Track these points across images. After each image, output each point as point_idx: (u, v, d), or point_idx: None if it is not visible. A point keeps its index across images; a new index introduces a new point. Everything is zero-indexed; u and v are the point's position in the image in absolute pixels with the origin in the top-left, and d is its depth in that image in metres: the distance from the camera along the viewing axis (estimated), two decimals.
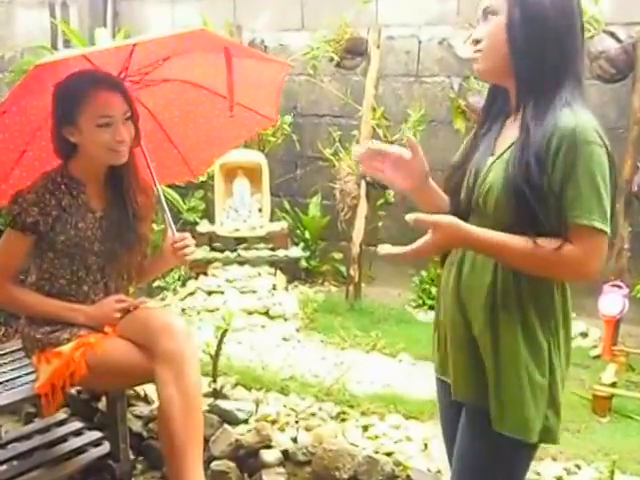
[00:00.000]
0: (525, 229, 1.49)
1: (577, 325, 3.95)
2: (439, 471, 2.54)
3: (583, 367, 3.52)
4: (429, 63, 4.62)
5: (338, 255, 4.91)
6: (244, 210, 4.68)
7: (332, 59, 4.34)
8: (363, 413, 2.93)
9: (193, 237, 2.52)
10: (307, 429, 2.82)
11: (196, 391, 2.27)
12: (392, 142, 4.29)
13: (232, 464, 2.76)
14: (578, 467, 2.57)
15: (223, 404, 2.92)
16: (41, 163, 2.47)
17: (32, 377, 2.54)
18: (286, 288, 4.59)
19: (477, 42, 1.60)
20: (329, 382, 3.16)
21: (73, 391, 3.01)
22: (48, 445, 2.76)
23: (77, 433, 2.84)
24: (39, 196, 2.28)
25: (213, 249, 4.62)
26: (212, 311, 4.16)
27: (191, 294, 4.39)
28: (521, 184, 1.48)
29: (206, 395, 2.91)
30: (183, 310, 4.22)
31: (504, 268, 1.57)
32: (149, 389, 3.02)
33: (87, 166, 2.37)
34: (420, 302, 4.38)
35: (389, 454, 2.63)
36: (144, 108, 2.61)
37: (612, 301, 3.55)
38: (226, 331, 3.03)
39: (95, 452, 2.74)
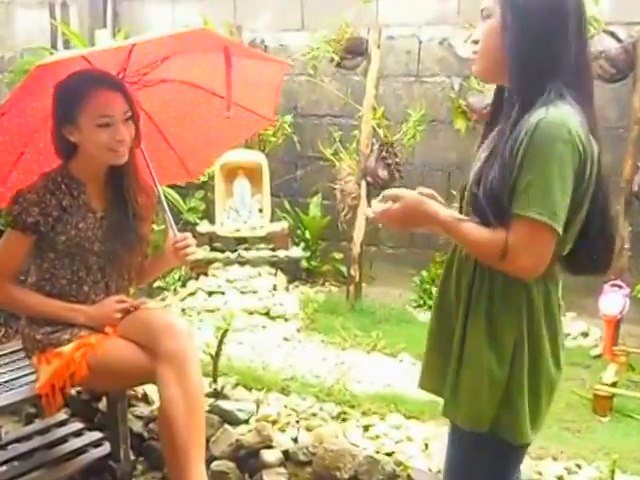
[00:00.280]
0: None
1: (578, 324, 3.96)
2: (440, 471, 2.54)
3: (584, 367, 3.52)
4: (429, 63, 4.62)
5: (339, 255, 4.91)
6: (244, 210, 4.68)
7: (332, 59, 4.34)
8: (364, 413, 2.93)
9: (194, 237, 2.52)
10: (308, 429, 2.82)
11: (198, 391, 2.27)
12: (392, 142, 4.30)
13: (232, 464, 2.76)
14: (579, 466, 2.57)
15: (224, 404, 2.91)
16: (39, 165, 2.47)
17: (32, 378, 2.54)
18: (287, 288, 4.59)
19: (476, 43, 1.62)
20: (330, 382, 3.15)
21: (73, 392, 3.00)
22: (48, 446, 2.76)
23: (77, 434, 2.84)
24: (40, 196, 2.28)
25: (213, 249, 4.62)
26: (212, 311, 4.16)
27: (191, 294, 4.39)
28: (485, 206, 1.52)
29: (207, 395, 2.91)
30: (183, 310, 4.22)
31: (482, 265, 1.59)
32: (149, 389, 3.02)
33: (87, 166, 2.37)
34: (421, 302, 4.38)
35: (390, 454, 2.63)
36: (141, 109, 2.60)
37: (613, 301, 3.55)
38: (226, 331, 3.03)
39: (95, 453, 2.74)
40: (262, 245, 4.61)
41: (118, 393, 2.67)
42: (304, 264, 4.86)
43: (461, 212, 1.68)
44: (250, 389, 3.11)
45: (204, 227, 4.74)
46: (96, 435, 2.83)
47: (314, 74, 4.48)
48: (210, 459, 2.74)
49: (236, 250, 4.56)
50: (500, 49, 1.55)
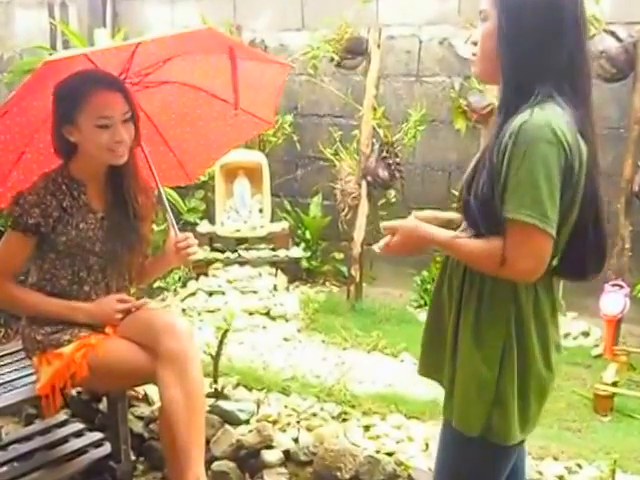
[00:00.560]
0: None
1: (578, 324, 3.95)
2: None
3: (584, 366, 3.52)
4: (430, 63, 4.61)
5: (339, 255, 4.90)
6: (245, 210, 4.68)
7: (332, 59, 4.33)
8: (364, 413, 2.93)
9: (194, 238, 2.52)
10: (308, 429, 2.82)
11: (199, 391, 2.27)
12: (393, 142, 4.29)
13: (233, 464, 2.76)
14: (579, 466, 2.57)
15: (224, 405, 2.91)
16: (39, 165, 2.47)
17: (33, 378, 2.54)
18: (287, 288, 4.58)
19: (475, 44, 1.64)
20: (330, 382, 3.15)
21: (74, 392, 3.01)
22: (49, 446, 2.76)
23: (78, 434, 2.84)
24: (40, 197, 2.28)
25: (214, 250, 4.62)
26: (213, 312, 4.15)
27: (192, 295, 4.39)
28: (476, 212, 1.54)
29: (207, 396, 2.90)
30: (184, 311, 4.22)
31: (471, 270, 1.61)
32: (150, 390, 3.02)
33: (87, 166, 2.37)
34: (422, 302, 4.37)
35: (390, 454, 2.63)
36: (141, 111, 2.60)
37: (613, 300, 3.55)
38: (227, 332, 3.03)
39: (96, 453, 2.74)
40: (262, 245, 4.61)
41: (119, 393, 2.67)
42: (304, 264, 4.85)
43: (460, 212, 1.69)
44: (251, 389, 3.11)
45: (204, 227, 4.74)
46: (96, 435, 2.83)
47: (314, 74, 4.48)
48: (211, 459, 2.74)
49: (236, 250, 4.56)
50: (496, 51, 1.56)
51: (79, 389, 2.97)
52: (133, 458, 2.87)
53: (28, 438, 2.82)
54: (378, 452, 2.64)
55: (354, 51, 4.30)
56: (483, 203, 1.52)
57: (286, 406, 2.98)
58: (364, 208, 4.37)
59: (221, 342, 3.01)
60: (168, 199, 2.67)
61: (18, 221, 2.28)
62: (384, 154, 4.27)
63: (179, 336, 2.28)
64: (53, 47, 5.29)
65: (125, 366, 2.34)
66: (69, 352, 2.33)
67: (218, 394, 2.99)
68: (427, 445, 2.70)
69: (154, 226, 3.06)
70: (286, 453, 2.74)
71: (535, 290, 1.59)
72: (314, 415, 2.91)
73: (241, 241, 4.65)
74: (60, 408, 2.58)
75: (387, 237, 1.74)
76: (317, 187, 4.96)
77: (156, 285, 4.46)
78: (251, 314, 4.14)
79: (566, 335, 3.84)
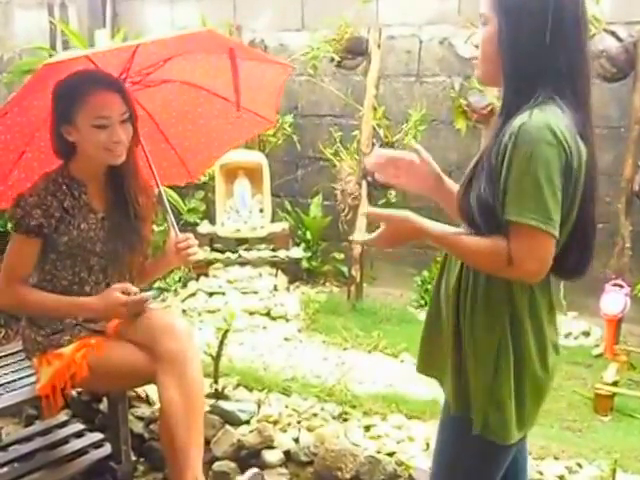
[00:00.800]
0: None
1: (579, 324, 3.96)
2: None
3: (585, 366, 3.52)
4: (430, 63, 4.61)
5: (339, 255, 4.90)
6: (245, 211, 4.67)
7: (332, 59, 4.33)
8: (365, 413, 2.93)
9: (194, 238, 2.51)
10: (309, 429, 2.82)
11: (198, 392, 2.27)
12: (393, 142, 4.29)
13: (234, 465, 2.76)
14: (580, 466, 2.57)
15: (225, 405, 2.91)
16: (40, 165, 2.47)
17: (33, 379, 2.54)
18: (287, 289, 4.58)
19: (477, 47, 1.65)
20: (331, 382, 3.15)
21: (74, 393, 3.01)
22: (49, 447, 2.76)
23: (78, 435, 2.84)
24: (41, 198, 2.28)
25: (214, 250, 4.61)
26: (213, 312, 4.15)
27: (192, 295, 4.39)
28: (476, 213, 1.55)
29: (208, 396, 2.91)
30: (184, 311, 4.22)
31: (467, 269, 1.62)
32: (150, 390, 3.02)
33: (87, 166, 2.37)
34: (422, 302, 4.37)
35: (391, 454, 2.63)
36: (142, 109, 2.60)
37: (614, 300, 3.55)
38: (227, 332, 3.03)
39: (96, 454, 2.74)
40: (263, 245, 4.61)
41: (119, 394, 2.67)
42: (305, 264, 4.85)
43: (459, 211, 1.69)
44: (251, 390, 3.11)
45: (204, 228, 4.74)
46: (97, 436, 2.83)
47: (314, 74, 4.48)
48: (212, 460, 2.74)
49: (237, 251, 4.56)
50: (497, 54, 1.56)
51: (79, 390, 2.97)
52: (134, 459, 2.87)
53: (28, 439, 2.82)
54: (379, 452, 2.64)
55: (354, 51, 4.30)
56: (482, 204, 1.53)
57: (287, 406, 2.98)
58: (364, 208, 4.37)
59: (221, 342, 3.01)
60: (168, 199, 2.67)
61: (20, 223, 2.28)
62: None
63: (178, 336, 2.28)
64: (53, 47, 5.29)
65: (125, 367, 2.34)
66: (69, 352, 2.33)
67: (219, 394, 2.99)
68: (428, 445, 2.69)
69: (154, 226, 3.06)
70: (287, 453, 2.75)
71: (531, 290, 1.59)
72: (315, 415, 2.91)
73: (241, 241, 4.65)
74: (60, 409, 2.58)
75: (378, 230, 1.67)
76: (317, 187, 4.95)
77: (156, 285, 4.46)
78: (251, 314, 4.14)
79: (567, 335, 3.84)
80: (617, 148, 3.77)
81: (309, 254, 4.86)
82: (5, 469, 2.64)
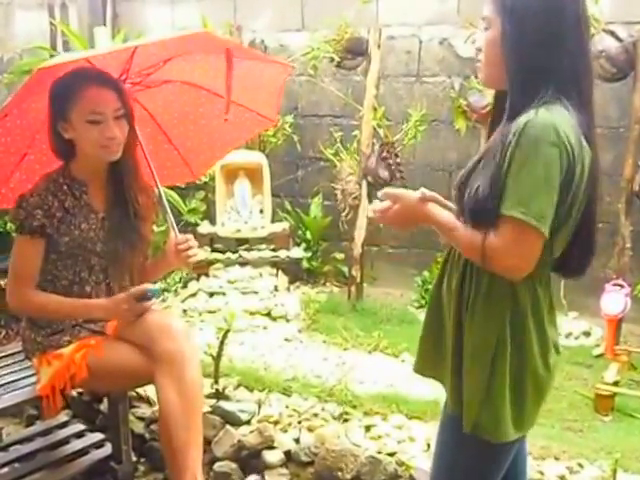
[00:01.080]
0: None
1: (579, 324, 3.95)
2: None
3: (586, 366, 3.52)
4: (430, 63, 4.61)
5: (340, 255, 4.90)
6: (245, 211, 4.67)
7: (332, 59, 4.33)
8: (366, 413, 2.92)
9: (195, 238, 2.51)
10: (310, 430, 2.82)
11: (196, 392, 2.27)
12: (393, 142, 4.29)
13: (235, 465, 2.76)
14: (581, 466, 2.57)
15: (225, 405, 2.91)
16: (42, 166, 2.47)
17: (33, 379, 2.54)
18: (288, 289, 4.58)
19: (480, 50, 1.65)
20: (331, 382, 3.15)
21: (74, 393, 3.01)
22: (50, 447, 2.76)
23: (79, 435, 2.84)
24: (42, 198, 2.28)
25: (214, 250, 4.61)
26: (214, 312, 4.15)
27: (192, 295, 4.39)
28: (473, 208, 1.55)
29: (208, 396, 2.91)
30: (184, 311, 4.22)
31: (471, 265, 1.62)
32: (151, 390, 3.01)
33: (86, 166, 2.37)
34: (422, 302, 4.36)
35: (392, 454, 2.63)
36: (144, 110, 2.60)
37: (614, 300, 3.55)
38: (228, 332, 3.03)
39: (97, 454, 2.75)
40: (263, 246, 4.60)
41: (119, 394, 2.67)
42: (305, 264, 4.85)
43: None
44: (252, 390, 3.11)
45: (205, 228, 4.73)
46: (97, 436, 2.83)
47: (314, 74, 4.47)
48: (212, 460, 2.75)
49: (237, 251, 4.56)
50: (501, 57, 1.57)
51: (80, 390, 2.97)
52: (134, 459, 2.87)
53: (29, 439, 2.82)
54: (379, 452, 2.64)
55: (354, 51, 4.29)
56: (478, 200, 1.53)
57: (287, 406, 2.98)
58: (365, 208, 4.36)
59: (222, 343, 3.01)
60: (169, 200, 2.67)
61: (23, 224, 2.28)
62: (384, 154, 4.27)
63: (175, 337, 2.28)
64: (53, 48, 5.29)
65: (124, 367, 2.34)
66: (69, 353, 2.33)
67: (219, 395, 2.99)
68: (428, 445, 2.69)
69: (154, 227, 3.06)
70: (287, 454, 2.75)
71: (534, 288, 1.59)
72: (315, 415, 2.91)
73: (242, 242, 4.64)
74: (61, 409, 2.58)
75: (385, 202, 1.71)
76: (318, 187, 4.95)
77: (157, 285, 4.46)
78: (252, 314, 4.13)
79: (567, 335, 3.84)
80: (617, 148, 3.77)
81: (309, 254, 4.86)
82: (6, 469, 2.64)
